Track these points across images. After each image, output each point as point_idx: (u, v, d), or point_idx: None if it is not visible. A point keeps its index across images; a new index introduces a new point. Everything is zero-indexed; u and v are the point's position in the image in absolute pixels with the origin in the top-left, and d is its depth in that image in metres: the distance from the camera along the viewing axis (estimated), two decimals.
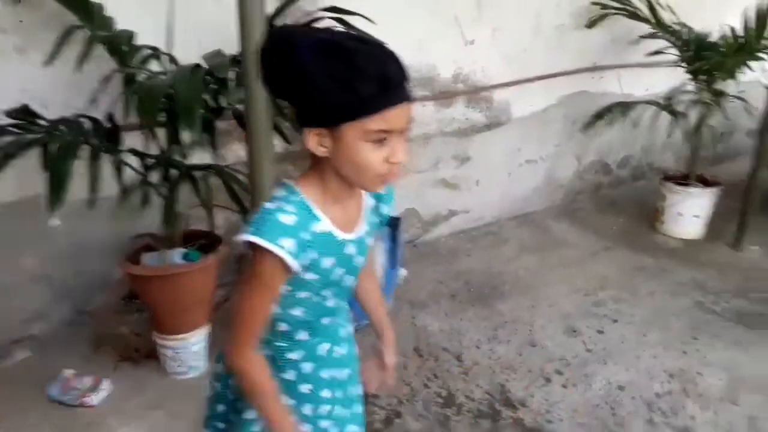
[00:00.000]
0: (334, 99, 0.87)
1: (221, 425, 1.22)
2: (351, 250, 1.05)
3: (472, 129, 3.56)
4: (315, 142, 0.93)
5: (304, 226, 0.95)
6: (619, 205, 4.12)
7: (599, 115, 3.60)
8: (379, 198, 1.13)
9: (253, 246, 0.92)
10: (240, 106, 1.99)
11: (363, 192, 1.07)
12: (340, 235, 1.01)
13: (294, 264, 0.94)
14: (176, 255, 2.21)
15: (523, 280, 3.10)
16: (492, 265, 3.26)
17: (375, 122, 0.88)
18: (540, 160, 3.98)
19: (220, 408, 1.22)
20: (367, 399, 2.12)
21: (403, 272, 2.88)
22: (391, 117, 0.89)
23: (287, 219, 0.93)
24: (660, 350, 2.54)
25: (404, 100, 0.90)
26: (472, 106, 3.51)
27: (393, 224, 2.69)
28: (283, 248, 0.91)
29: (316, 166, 0.99)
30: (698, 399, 2.24)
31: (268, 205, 0.96)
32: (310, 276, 1.00)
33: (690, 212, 3.59)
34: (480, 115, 3.56)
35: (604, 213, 4.02)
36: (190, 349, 2.27)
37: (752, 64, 3.48)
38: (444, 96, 3.34)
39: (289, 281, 0.99)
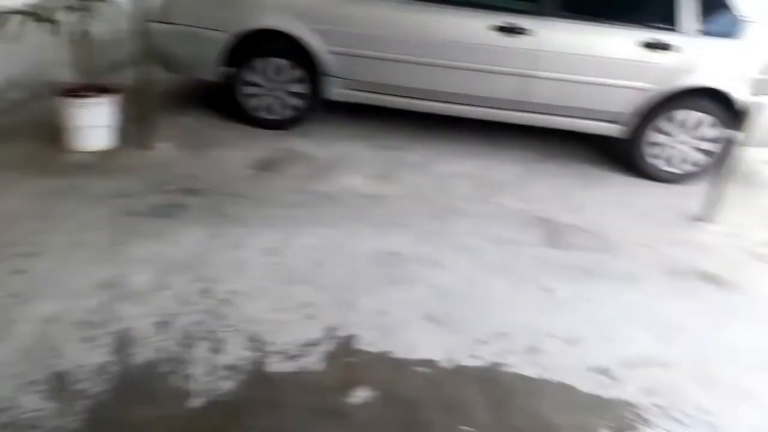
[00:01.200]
0: None
1: None
2: None
3: None
4: None
5: None
6: (19, 132, 3.68)
7: None
8: None
9: None
10: None
11: None
12: None
13: None
14: None
15: None
16: None
17: None
18: None
19: None
20: None
21: None
22: None
23: None
24: (86, 267, 2.47)
25: None
26: None
27: None
28: None
29: None
30: (135, 297, 2.32)
31: None
32: None
33: (94, 124, 3.52)
34: None
35: (2, 143, 3.52)
36: None
37: None
38: None
39: None
